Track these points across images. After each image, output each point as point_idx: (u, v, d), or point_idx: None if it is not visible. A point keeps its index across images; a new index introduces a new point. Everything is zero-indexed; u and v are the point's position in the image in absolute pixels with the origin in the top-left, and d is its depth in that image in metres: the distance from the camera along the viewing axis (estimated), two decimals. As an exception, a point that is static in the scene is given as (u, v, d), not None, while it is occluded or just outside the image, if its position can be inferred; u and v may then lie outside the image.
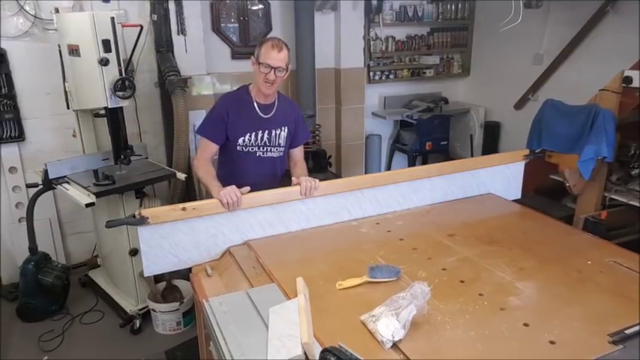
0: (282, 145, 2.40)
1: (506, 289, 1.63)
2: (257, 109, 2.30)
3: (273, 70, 2.15)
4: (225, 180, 2.15)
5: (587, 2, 3.71)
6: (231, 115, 2.27)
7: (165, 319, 3.06)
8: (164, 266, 1.95)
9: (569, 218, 3.30)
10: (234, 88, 2.43)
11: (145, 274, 2.00)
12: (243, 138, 2.29)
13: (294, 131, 2.44)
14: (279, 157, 2.42)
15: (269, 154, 2.38)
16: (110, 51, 2.72)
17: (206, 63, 3.77)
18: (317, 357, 1.25)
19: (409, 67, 4.87)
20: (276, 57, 2.15)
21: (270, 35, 4.20)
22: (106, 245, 3.39)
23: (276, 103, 2.36)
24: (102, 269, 3.62)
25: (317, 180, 2.12)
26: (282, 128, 2.37)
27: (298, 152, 2.53)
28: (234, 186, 1.98)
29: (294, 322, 1.38)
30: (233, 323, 1.46)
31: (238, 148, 2.31)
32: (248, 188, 2.01)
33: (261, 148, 2.35)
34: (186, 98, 3.39)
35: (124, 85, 2.79)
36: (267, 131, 2.33)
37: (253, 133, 2.30)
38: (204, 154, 2.29)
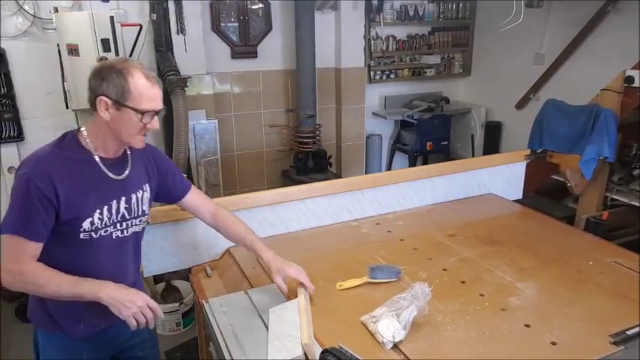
0: (146, 212, 1.57)
1: (507, 290, 1.62)
2: (104, 168, 1.43)
3: (156, 115, 1.41)
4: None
5: (588, 2, 3.70)
6: (63, 188, 1.34)
7: (165, 319, 3.05)
8: (164, 266, 1.94)
9: (570, 218, 3.29)
10: (54, 142, 1.45)
11: (145, 275, 1.99)
12: (91, 219, 1.40)
13: (161, 183, 1.62)
14: (142, 230, 1.61)
15: (131, 230, 1.53)
16: (109, 50, 2.72)
17: (206, 62, 3.77)
18: (317, 358, 1.24)
19: (410, 66, 4.86)
20: (159, 95, 1.41)
21: (268, 35, 4.19)
22: (105, 245, 3.38)
23: (128, 152, 1.52)
24: (101, 269, 3.61)
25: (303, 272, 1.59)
26: (144, 187, 1.55)
27: (200, 199, 1.72)
28: (141, 294, 1.37)
29: (294, 323, 1.37)
30: (233, 324, 1.45)
31: (83, 235, 1.41)
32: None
33: (120, 224, 1.48)
34: (185, 98, 3.38)
35: (124, 84, 2.78)
36: (123, 198, 1.47)
37: (105, 207, 1.43)
38: (24, 257, 1.33)
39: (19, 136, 3.43)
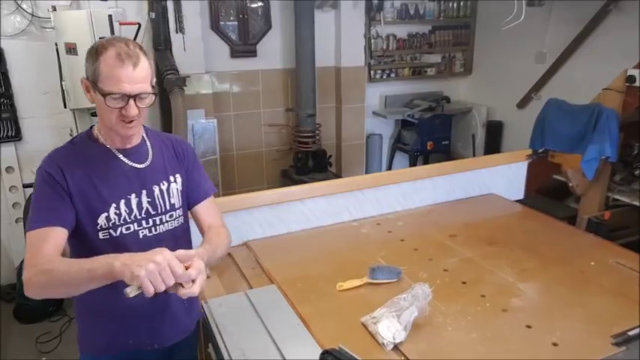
0: (177, 206, 1.40)
1: (509, 291, 1.61)
2: (122, 157, 1.33)
3: (132, 100, 1.21)
4: (88, 308, 1.32)
5: (590, 1, 3.70)
6: (74, 178, 1.25)
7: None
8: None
9: (572, 219, 3.27)
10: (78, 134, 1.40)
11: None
12: (106, 214, 1.27)
13: (186, 179, 1.46)
14: (179, 228, 1.43)
15: (163, 228, 1.37)
16: (108, 49, 2.71)
17: (205, 61, 3.76)
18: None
19: (410, 65, 4.85)
20: (133, 76, 1.20)
21: (268, 34, 4.17)
22: (104, 245, 3.38)
23: (147, 140, 1.40)
24: (100, 269, 3.60)
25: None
26: (171, 178, 1.40)
27: (207, 212, 1.49)
28: (164, 252, 1.07)
29: None
30: (232, 324, 1.45)
31: (102, 234, 1.28)
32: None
33: (145, 222, 1.34)
34: (184, 97, 3.37)
35: (122, 83, 2.77)
36: (144, 192, 1.34)
37: (122, 201, 1.30)
38: (46, 250, 1.16)
39: (17, 136, 3.42)
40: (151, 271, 1.02)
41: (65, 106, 3.05)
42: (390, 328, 1.32)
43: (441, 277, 1.69)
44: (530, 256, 1.84)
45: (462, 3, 4.82)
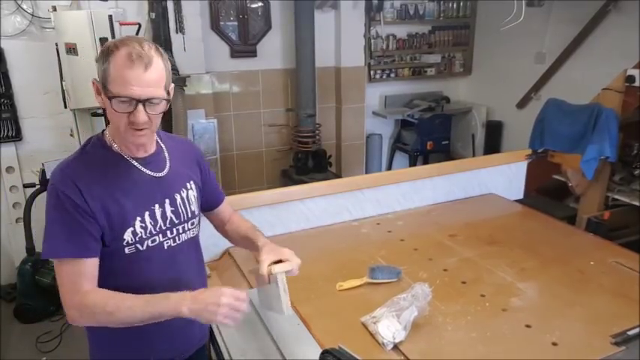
0: (196, 214, 1.39)
1: (508, 290, 1.61)
2: (139, 166, 1.25)
3: (141, 105, 1.13)
4: (111, 330, 1.19)
5: (590, 1, 3.70)
6: (92, 195, 1.17)
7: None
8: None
9: (571, 218, 3.28)
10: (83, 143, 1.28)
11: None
12: (132, 229, 1.21)
13: (201, 182, 1.43)
14: (197, 235, 1.42)
15: (184, 236, 1.34)
16: (108, 49, 2.71)
17: (205, 62, 3.76)
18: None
19: (410, 65, 4.85)
20: (143, 79, 1.12)
21: (268, 34, 4.17)
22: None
23: (163, 146, 1.34)
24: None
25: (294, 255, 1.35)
26: (189, 185, 1.36)
27: (226, 211, 1.56)
28: (220, 290, 1.14)
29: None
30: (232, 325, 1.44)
31: (128, 249, 1.22)
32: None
33: (170, 232, 1.30)
34: (184, 97, 3.37)
35: (122, 83, 2.78)
36: (167, 201, 1.29)
37: (147, 213, 1.24)
38: (82, 284, 1.15)
39: (17, 136, 3.42)
40: (224, 313, 1.12)
41: (65, 106, 3.06)
42: (389, 327, 1.32)
43: (441, 277, 1.69)
44: (529, 256, 1.84)
45: (461, 3, 4.82)
